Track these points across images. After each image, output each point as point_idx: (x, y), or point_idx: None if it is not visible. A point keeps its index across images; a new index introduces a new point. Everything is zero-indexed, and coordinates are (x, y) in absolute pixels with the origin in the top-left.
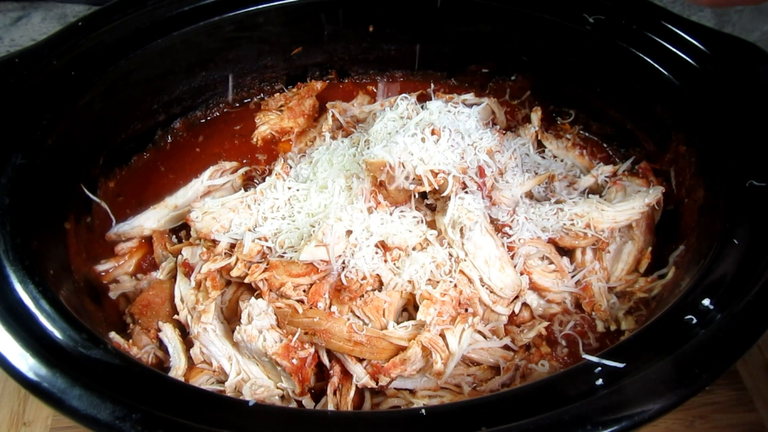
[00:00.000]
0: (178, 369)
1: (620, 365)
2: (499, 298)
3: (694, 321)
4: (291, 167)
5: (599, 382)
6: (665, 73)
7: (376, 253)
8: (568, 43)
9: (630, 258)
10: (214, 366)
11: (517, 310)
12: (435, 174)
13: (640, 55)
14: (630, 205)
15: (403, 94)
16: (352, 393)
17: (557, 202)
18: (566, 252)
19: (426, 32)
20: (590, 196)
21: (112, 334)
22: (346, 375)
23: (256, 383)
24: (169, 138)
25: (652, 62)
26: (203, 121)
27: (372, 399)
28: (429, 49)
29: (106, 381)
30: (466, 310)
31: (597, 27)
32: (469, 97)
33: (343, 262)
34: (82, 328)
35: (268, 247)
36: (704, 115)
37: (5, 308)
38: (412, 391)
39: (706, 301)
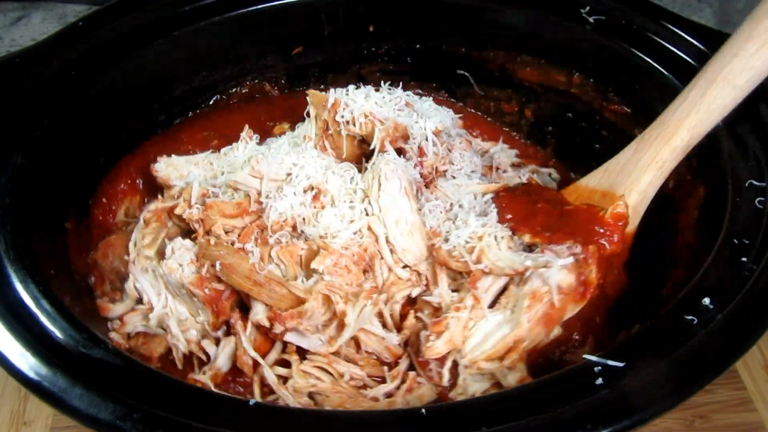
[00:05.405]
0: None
1: (620, 365)
2: (400, 261)
3: (694, 321)
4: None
5: (599, 381)
6: (665, 73)
7: (304, 198)
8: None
9: (498, 344)
10: (144, 301)
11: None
12: (367, 117)
13: (640, 55)
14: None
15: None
16: (248, 330)
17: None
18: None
19: (426, 32)
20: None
21: (113, 335)
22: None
23: (180, 318)
24: None
25: (652, 62)
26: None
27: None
28: (429, 49)
29: (106, 380)
30: (365, 272)
31: (597, 27)
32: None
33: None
34: (82, 328)
35: (213, 194)
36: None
37: (6, 308)
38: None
39: (706, 301)
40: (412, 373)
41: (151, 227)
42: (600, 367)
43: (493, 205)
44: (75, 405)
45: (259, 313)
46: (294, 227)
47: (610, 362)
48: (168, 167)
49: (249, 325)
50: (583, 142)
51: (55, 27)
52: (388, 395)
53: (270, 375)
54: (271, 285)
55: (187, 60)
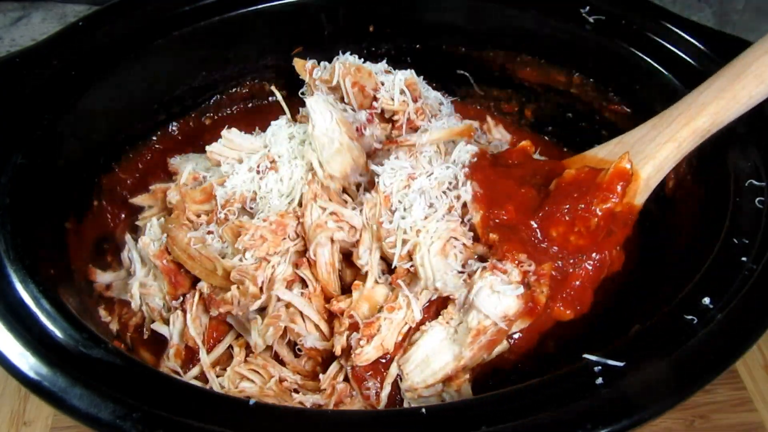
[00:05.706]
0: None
1: (620, 365)
2: (330, 177)
3: (694, 321)
4: None
5: (599, 381)
6: (665, 73)
7: (256, 174)
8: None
9: (439, 372)
10: (131, 270)
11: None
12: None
13: (640, 55)
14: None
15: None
16: (194, 307)
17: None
18: None
19: (426, 32)
20: None
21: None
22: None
23: (146, 283)
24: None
25: (652, 62)
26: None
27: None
28: (429, 49)
29: (106, 380)
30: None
31: (597, 27)
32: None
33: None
34: (83, 328)
35: (204, 177)
36: None
37: (6, 308)
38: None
39: (706, 301)
40: (341, 386)
41: (148, 203)
42: (600, 367)
43: (467, 169)
44: (75, 405)
45: (203, 286)
46: (244, 206)
47: (610, 362)
48: (181, 160)
49: (195, 300)
50: (583, 142)
51: (55, 27)
52: (317, 405)
53: (204, 359)
54: (202, 260)
55: (187, 60)
